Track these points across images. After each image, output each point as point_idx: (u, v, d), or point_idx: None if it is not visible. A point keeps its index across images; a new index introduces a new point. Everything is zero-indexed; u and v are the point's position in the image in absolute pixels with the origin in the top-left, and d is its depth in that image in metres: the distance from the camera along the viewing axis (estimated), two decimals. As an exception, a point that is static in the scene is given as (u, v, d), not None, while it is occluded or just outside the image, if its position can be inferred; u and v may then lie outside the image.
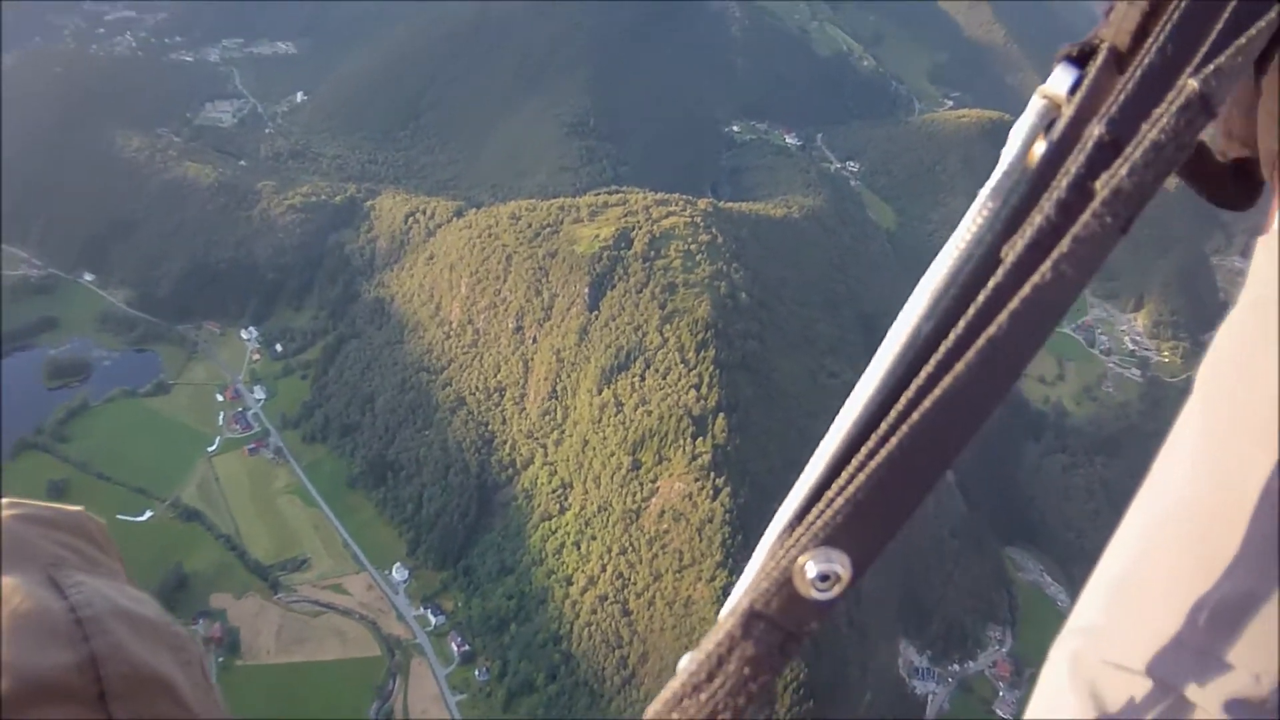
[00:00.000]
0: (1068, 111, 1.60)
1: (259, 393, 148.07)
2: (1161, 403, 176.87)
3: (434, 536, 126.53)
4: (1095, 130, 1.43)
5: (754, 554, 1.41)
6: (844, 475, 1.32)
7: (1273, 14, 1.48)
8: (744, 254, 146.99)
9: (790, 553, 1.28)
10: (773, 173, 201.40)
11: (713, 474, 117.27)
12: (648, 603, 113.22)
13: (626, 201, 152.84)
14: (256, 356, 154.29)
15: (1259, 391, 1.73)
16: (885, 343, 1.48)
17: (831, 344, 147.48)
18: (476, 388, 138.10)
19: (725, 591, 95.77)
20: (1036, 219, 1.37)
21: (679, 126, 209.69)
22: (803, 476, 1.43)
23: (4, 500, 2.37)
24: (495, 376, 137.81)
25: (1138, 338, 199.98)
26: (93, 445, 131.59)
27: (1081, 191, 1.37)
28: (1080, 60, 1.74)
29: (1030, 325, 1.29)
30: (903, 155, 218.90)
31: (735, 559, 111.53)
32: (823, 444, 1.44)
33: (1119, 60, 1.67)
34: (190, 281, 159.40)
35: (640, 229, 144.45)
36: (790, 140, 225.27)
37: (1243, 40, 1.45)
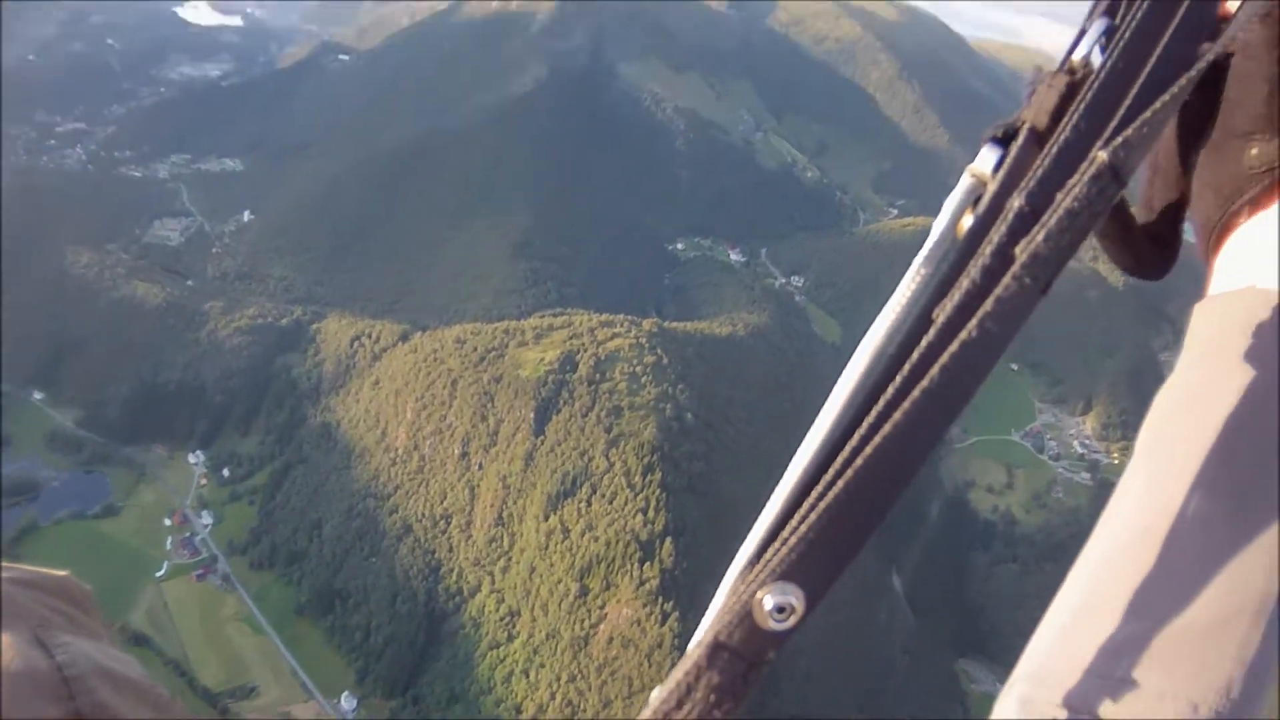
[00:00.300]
0: (992, 187, 1.71)
1: (206, 518, 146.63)
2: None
3: (382, 665, 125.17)
4: (1016, 202, 1.53)
5: (718, 590, 1.51)
6: (796, 517, 1.40)
7: (1174, 90, 1.59)
8: (690, 374, 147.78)
9: (750, 588, 1.36)
10: (717, 290, 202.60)
11: (661, 599, 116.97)
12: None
13: (571, 324, 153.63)
14: (204, 481, 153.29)
15: (1196, 446, 1.82)
16: (831, 396, 1.55)
17: (780, 462, 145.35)
18: (423, 514, 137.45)
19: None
20: (964, 283, 1.47)
21: (624, 245, 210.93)
22: (760, 519, 1.50)
23: None
24: (441, 503, 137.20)
25: (1086, 441, 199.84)
26: (42, 566, 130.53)
27: (1004, 257, 1.47)
28: (1004, 141, 1.86)
29: (960, 377, 1.39)
30: (848, 267, 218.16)
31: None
32: (777, 489, 1.52)
33: (1038, 139, 1.77)
34: (138, 403, 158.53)
35: (585, 352, 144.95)
36: (734, 256, 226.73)
37: (1147, 115, 1.54)
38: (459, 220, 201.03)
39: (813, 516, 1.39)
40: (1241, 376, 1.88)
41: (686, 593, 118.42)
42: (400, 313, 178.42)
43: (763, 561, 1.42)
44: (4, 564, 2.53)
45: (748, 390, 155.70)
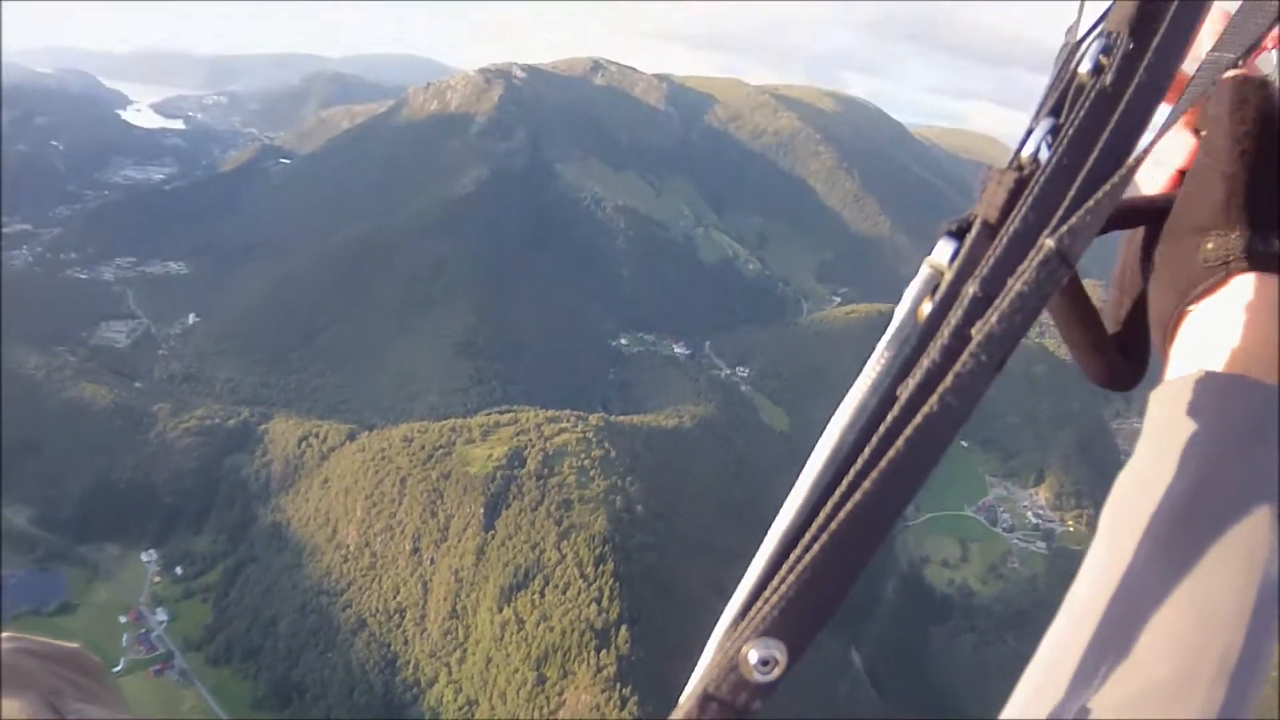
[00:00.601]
0: (948, 276, 1.82)
1: (161, 614, 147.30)
2: (1069, 572, 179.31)
3: None
4: (970, 289, 1.65)
5: (707, 645, 1.54)
6: (778, 577, 1.49)
7: (1115, 180, 1.71)
8: (638, 466, 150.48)
9: (735, 643, 1.45)
10: (663, 383, 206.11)
11: (619, 685, 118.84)
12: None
13: (518, 420, 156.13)
14: (157, 579, 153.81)
15: (1153, 524, 1.95)
16: (806, 467, 1.64)
17: (732, 551, 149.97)
18: (377, 609, 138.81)
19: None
20: (925, 362, 1.59)
21: (568, 341, 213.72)
22: (744, 578, 1.59)
23: (5, 634, 2.72)
24: (395, 598, 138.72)
25: (1040, 511, 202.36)
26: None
27: (961, 338, 1.59)
28: (958, 234, 1.96)
29: (924, 447, 1.49)
30: (792, 356, 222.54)
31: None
32: (760, 550, 1.61)
33: (990, 231, 1.89)
34: (91, 503, 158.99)
35: (533, 447, 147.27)
36: (679, 349, 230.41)
37: (1090, 204, 1.66)
38: (403, 320, 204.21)
39: (792, 576, 1.48)
40: (1194, 458, 2.00)
41: (644, 678, 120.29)
42: (347, 412, 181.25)
43: (747, 618, 1.50)
44: (16, 635, 2.73)
45: (697, 481, 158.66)
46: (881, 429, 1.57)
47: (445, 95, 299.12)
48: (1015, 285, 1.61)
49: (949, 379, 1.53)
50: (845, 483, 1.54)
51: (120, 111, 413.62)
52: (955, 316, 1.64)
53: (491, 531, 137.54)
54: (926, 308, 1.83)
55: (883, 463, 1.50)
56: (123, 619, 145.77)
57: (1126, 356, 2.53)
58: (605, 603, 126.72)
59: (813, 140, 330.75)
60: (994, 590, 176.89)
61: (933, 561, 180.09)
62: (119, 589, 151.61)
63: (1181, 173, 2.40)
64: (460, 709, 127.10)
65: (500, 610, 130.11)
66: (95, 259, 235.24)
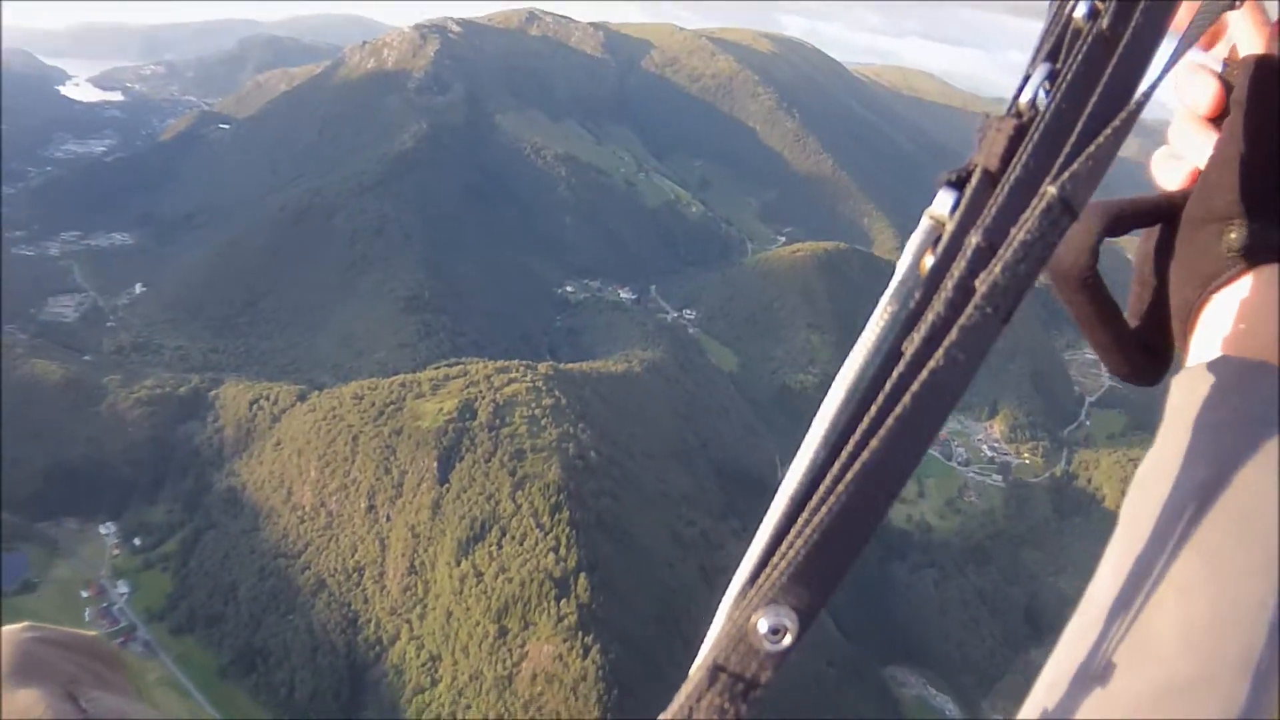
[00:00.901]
0: (950, 227, 1.77)
1: (123, 587, 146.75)
2: (1027, 503, 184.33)
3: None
4: (973, 239, 1.62)
5: (715, 615, 1.50)
6: (785, 543, 1.46)
7: (1115, 124, 1.69)
8: (589, 413, 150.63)
9: (744, 612, 1.42)
10: (610, 329, 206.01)
11: (580, 633, 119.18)
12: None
13: (467, 372, 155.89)
14: (116, 551, 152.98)
15: (1173, 515, 1.91)
16: (811, 428, 1.59)
17: (686, 494, 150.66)
18: (335, 569, 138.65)
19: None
20: (929, 317, 1.56)
21: (514, 292, 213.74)
22: (751, 546, 1.54)
23: (24, 624, 2.75)
24: (353, 557, 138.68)
25: (995, 444, 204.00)
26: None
27: (965, 291, 1.56)
28: (958, 184, 1.89)
29: (931, 404, 1.47)
30: (738, 297, 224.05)
31: (613, 715, 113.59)
32: (766, 517, 1.56)
33: (991, 180, 1.83)
34: (47, 480, 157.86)
35: (483, 399, 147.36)
36: (625, 295, 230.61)
37: (1091, 149, 1.64)
38: (348, 279, 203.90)
39: (800, 542, 1.43)
40: (1214, 446, 1.96)
41: (605, 625, 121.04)
42: (296, 374, 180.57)
43: (756, 586, 1.45)
44: (35, 625, 2.74)
45: (648, 425, 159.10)
46: (887, 386, 1.54)
47: (382, 53, 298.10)
48: (1019, 234, 1.58)
49: (954, 333, 1.51)
50: (852, 442, 1.52)
51: (60, 87, 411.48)
52: (959, 268, 1.61)
53: (446, 485, 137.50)
54: (929, 261, 1.78)
55: (890, 420, 1.48)
56: (84, 594, 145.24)
57: (1149, 351, 2.45)
58: (563, 551, 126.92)
59: (751, 82, 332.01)
60: (952, 525, 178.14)
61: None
62: (80, 564, 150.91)
63: (1199, 171, 2.31)
64: (423, 665, 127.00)
65: (458, 564, 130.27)
66: (40, 235, 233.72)
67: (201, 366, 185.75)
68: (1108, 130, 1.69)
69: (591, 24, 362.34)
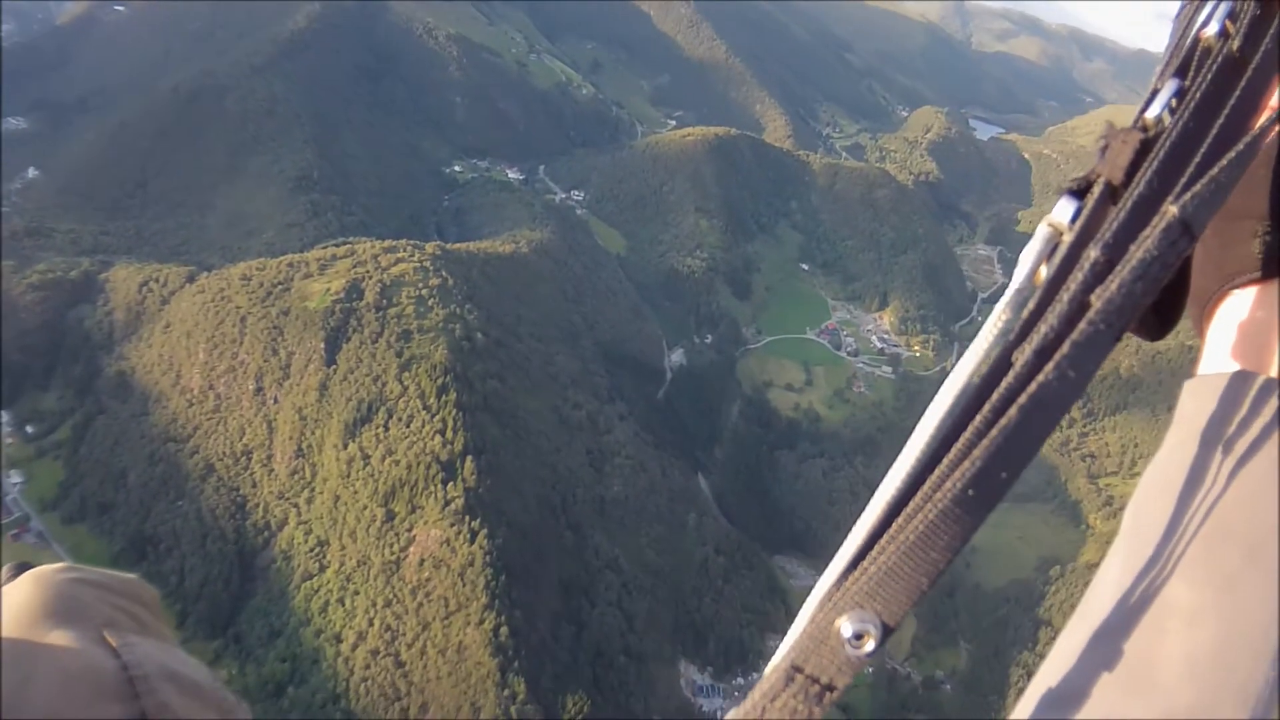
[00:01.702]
0: (1068, 238, 1.80)
1: (16, 477, 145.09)
2: (917, 397, 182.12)
3: (200, 607, 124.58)
4: (1092, 253, 1.65)
5: (798, 616, 1.62)
6: (877, 548, 1.54)
7: (1239, 149, 1.71)
8: (476, 294, 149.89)
9: (828, 614, 1.50)
10: (498, 210, 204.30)
11: (468, 518, 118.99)
12: (420, 652, 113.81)
13: (355, 252, 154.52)
14: (10, 440, 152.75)
15: (1181, 532, 1.89)
16: (914, 433, 1.65)
17: (573, 377, 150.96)
18: (224, 453, 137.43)
19: (495, 633, 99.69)
20: (1042, 329, 1.59)
21: (402, 172, 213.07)
22: (841, 549, 1.64)
23: (60, 565, 2.74)
24: (240, 440, 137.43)
25: (885, 336, 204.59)
26: None
27: (1080, 305, 1.59)
28: (1079, 194, 1.92)
29: (1037, 418, 1.50)
30: (628, 180, 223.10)
31: (501, 600, 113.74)
32: (860, 520, 1.64)
33: (1113, 193, 1.86)
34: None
35: (370, 279, 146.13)
36: (512, 175, 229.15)
37: (1214, 172, 1.67)
38: (238, 160, 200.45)
39: (892, 548, 1.50)
40: (1228, 463, 1.93)
41: (492, 510, 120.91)
42: (186, 255, 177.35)
43: (843, 589, 1.54)
44: (72, 565, 2.77)
45: (535, 306, 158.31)
46: (994, 396, 1.55)
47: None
48: (1137, 252, 1.59)
49: (1066, 347, 1.52)
50: (954, 451, 1.54)
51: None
52: (1075, 282, 1.62)
53: (333, 366, 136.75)
54: (1045, 271, 1.80)
55: (994, 432, 1.49)
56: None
57: (1157, 309, 2.32)
58: (449, 434, 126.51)
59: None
60: (841, 415, 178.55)
61: (776, 385, 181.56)
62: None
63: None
64: (311, 550, 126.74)
65: (345, 447, 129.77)
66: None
67: (92, 249, 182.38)
68: (1231, 154, 1.70)
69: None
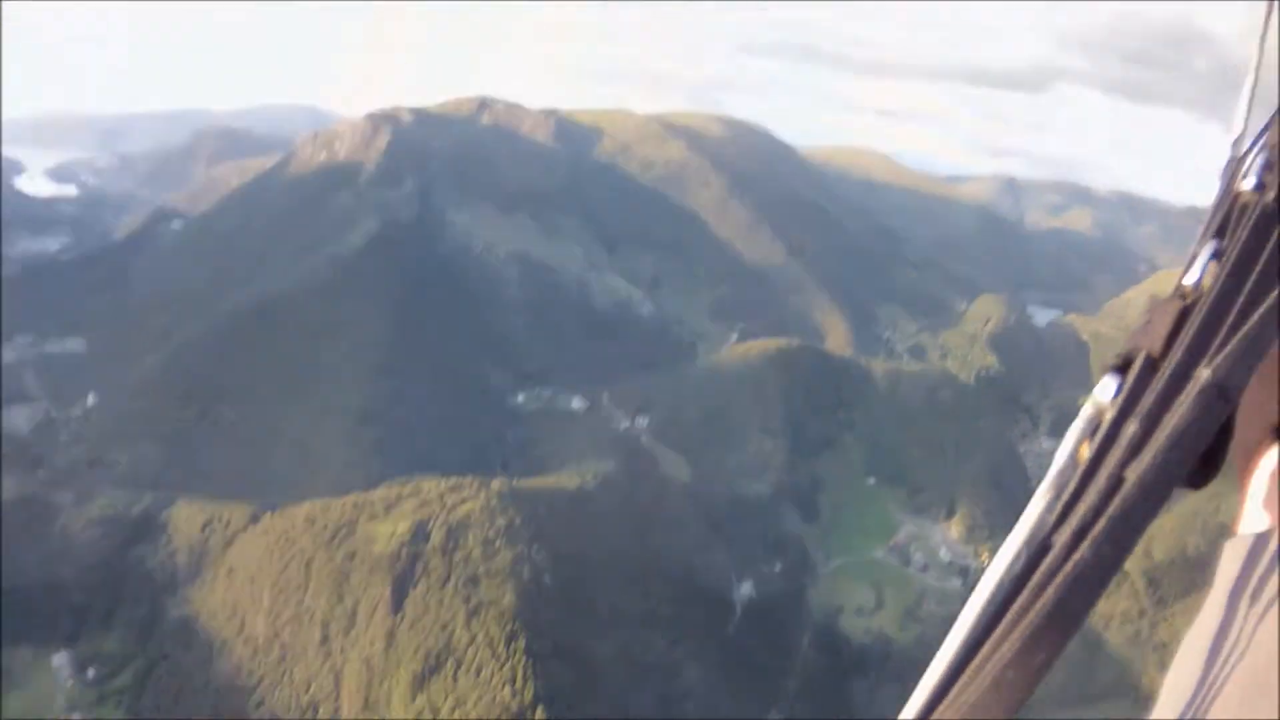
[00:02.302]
0: (1109, 414, 1.80)
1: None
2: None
3: None
4: (1130, 427, 1.64)
5: None
6: None
7: (1269, 304, 1.67)
8: (543, 533, 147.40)
9: None
10: (563, 440, 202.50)
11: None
12: None
13: (420, 491, 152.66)
14: (69, 683, 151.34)
15: (1218, 693, 1.83)
16: (964, 610, 1.68)
17: (642, 617, 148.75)
18: (290, 705, 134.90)
19: None
20: (1080, 508, 1.57)
21: (465, 402, 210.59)
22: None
23: None
24: (307, 693, 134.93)
25: (953, 546, 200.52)
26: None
27: (1117, 480, 1.56)
28: (1122, 369, 1.93)
29: (1075, 597, 1.48)
30: (691, 402, 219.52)
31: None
32: (910, 699, 1.77)
33: (1153, 364, 1.85)
34: (2, 605, 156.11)
35: (436, 520, 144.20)
36: (576, 404, 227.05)
37: (1248, 327, 1.63)
38: (298, 387, 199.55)
39: None
40: (1262, 633, 1.86)
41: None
42: (249, 491, 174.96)
43: None
44: None
45: (601, 544, 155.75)
46: (1035, 578, 1.58)
47: (333, 144, 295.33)
48: (1172, 420, 1.60)
49: (1101, 524, 1.54)
50: (997, 633, 1.58)
51: (15, 180, 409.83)
52: (1113, 457, 1.65)
53: (400, 614, 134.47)
54: (1087, 449, 1.82)
55: (1030, 617, 1.52)
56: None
57: (1203, 460, 2.13)
58: (519, 683, 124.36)
59: (703, 169, 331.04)
60: (912, 635, 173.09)
61: (846, 610, 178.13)
62: (33, 696, 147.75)
63: None
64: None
65: (414, 699, 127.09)
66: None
67: (154, 484, 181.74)
68: (1261, 310, 1.70)
69: (543, 111, 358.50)
